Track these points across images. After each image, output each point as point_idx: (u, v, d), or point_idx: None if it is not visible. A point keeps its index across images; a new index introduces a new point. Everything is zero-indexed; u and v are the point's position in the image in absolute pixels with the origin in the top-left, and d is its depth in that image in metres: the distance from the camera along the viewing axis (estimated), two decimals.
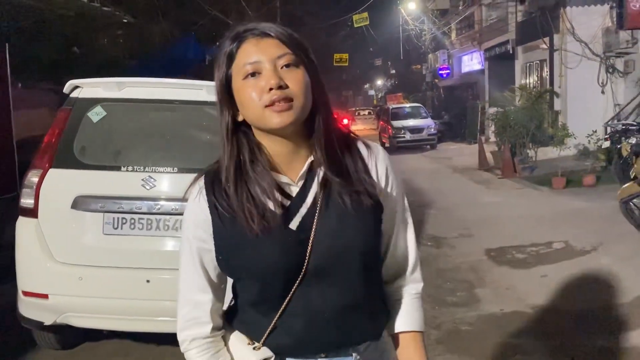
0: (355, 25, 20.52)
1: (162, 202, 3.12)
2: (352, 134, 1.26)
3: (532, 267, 5.37)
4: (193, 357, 1.22)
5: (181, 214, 3.07)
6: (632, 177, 5.72)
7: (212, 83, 3.58)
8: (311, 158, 1.17)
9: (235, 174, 1.15)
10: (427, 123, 20.22)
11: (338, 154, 1.18)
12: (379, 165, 1.24)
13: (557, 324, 3.98)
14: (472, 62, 21.31)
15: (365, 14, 20.32)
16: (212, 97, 3.19)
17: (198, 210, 1.18)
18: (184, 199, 1.20)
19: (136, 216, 3.11)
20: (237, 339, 1.22)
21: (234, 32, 1.17)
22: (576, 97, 12.24)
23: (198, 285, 1.21)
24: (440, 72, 25.68)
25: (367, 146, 1.26)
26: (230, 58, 1.15)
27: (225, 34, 1.19)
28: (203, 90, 3.26)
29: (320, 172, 1.16)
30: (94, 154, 3.22)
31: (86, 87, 3.30)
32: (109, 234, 3.11)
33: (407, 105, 23.66)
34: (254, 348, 1.19)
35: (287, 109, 1.09)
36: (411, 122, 20.18)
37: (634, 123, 6.60)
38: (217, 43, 15.82)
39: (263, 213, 1.12)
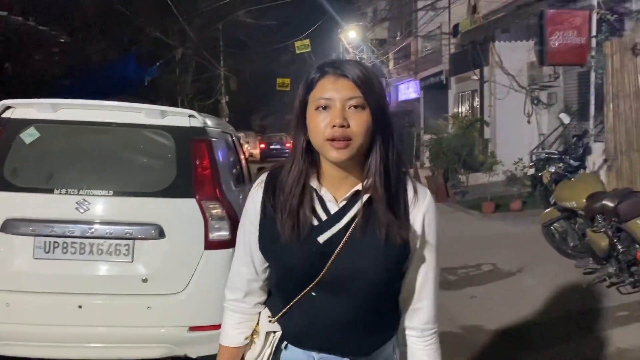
0: (297, 52, 20.83)
1: (96, 226, 3.08)
2: (405, 173, 1.36)
3: (463, 288, 5.59)
4: (225, 314, 1.48)
5: (115, 238, 3.07)
6: (552, 202, 6.08)
7: (152, 106, 3.56)
8: (359, 186, 1.30)
9: (292, 184, 1.31)
10: None
11: (389, 187, 1.29)
12: (420, 211, 1.34)
13: (484, 343, 4.17)
14: (409, 90, 22.03)
15: (307, 41, 20.68)
16: (151, 120, 3.23)
17: (253, 201, 1.38)
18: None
19: (69, 240, 3.05)
20: (265, 312, 1.44)
21: (321, 63, 1.33)
22: (504, 126, 12.76)
23: (243, 260, 1.43)
24: None
25: (415, 190, 1.35)
26: (310, 87, 1.30)
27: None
28: (141, 114, 3.26)
29: (364, 199, 1.29)
30: (26, 176, 3.15)
31: (19, 108, 3.23)
32: (40, 259, 3.03)
33: None
34: (269, 321, 1.41)
35: (344, 147, 1.24)
36: None
37: (555, 152, 7.03)
38: (158, 63, 15.66)
39: (295, 224, 1.29)
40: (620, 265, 4.80)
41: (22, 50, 10.52)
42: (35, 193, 3.09)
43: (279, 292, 1.40)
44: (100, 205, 3.10)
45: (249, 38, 23.12)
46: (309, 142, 1.30)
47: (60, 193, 3.06)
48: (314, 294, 1.31)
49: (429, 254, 1.37)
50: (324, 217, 1.31)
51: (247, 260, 1.42)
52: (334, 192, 1.32)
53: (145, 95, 13.62)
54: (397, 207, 1.30)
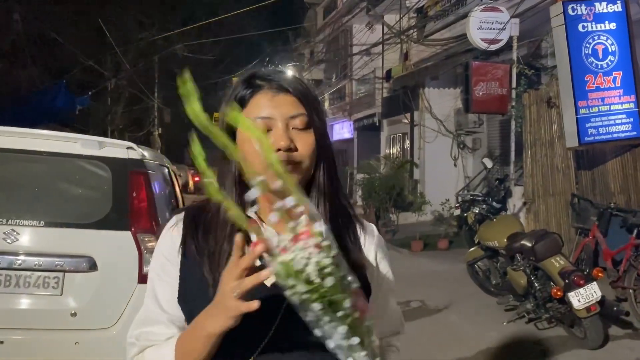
0: None
1: (24, 258, 2.98)
2: (350, 205, 1.18)
3: None
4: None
5: (44, 271, 2.98)
6: (476, 242, 6.40)
7: (89, 137, 3.52)
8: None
9: (222, 222, 1.05)
10: None
11: (336, 217, 1.10)
12: (372, 245, 1.19)
13: None
14: (343, 130, 22.55)
15: None
16: (87, 150, 3.21)
17: (168, 243, 1.10)
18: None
19: None
20: None
21: (249, 75, 1.10)
22: (432, 168, 13.21)
23: (158, 319, 1.08)
24: None
25: (362, 223, 1.19)
26: (241, 103, 1.07)
27: (240, 76, 1.12)
28: (77, 144, 3.23)
29: None
30: None
31: None
32: None
33: None
34: None
35: (291, 172, 1.01)
36: None
37: (479, 194, 7.45)
38: (90, 92, 15.29)
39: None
40: (537, 302, 5.11)
41: None
42: None
43: None
44: (30, 236, 3.01)
45: (184, 71, 23.01)
46: (240, 172, 1.05)
47: None
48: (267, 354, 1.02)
49: (388, 290, 1.23)
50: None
51: (163, 319, 1.08)
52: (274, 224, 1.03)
53: (75, 124, 13.23)
54: (348, 239, 1.12)
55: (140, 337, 1.09)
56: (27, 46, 12.80)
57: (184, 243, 1.08)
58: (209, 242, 1.06)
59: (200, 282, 1.03)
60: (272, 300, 0.97)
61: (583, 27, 6.83)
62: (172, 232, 1.11)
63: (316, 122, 1.08)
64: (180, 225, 1.11)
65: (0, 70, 11.89)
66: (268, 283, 0.95)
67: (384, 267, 1.22)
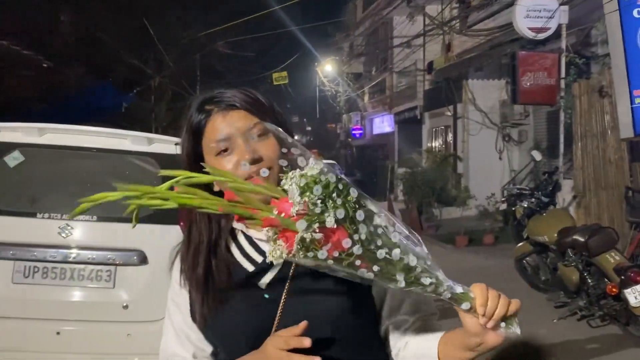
0: (275, 83, 21.05)
1: (78, 251, 3.06)
2: None
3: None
4: None
5: (97, 264, 3.05)
6: (524, 237, 6.23)
7: (139, 133, 3.57)
8: None
9: (207, 248, 1.13)
10: None
11: None
12: None
13: None
14: (383, 124, 22.39)
15: (285, 73, 20.94)
16: (136, 147, 3.26)
17: (175, 277, 1.20)
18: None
19: (49, 265, 3.02)
20: None
21: (199, 103, 1.13)
22: (477, 161, 12.96)
23: (177, 340, 1.21)
24: (354, 132, 26.77)
25: None
26: (197, 134, 1.12)
27: (188, 103, 1.17)
28: (127, 140, 3.29)
29: None
30: (9, 200, 3.12)
31: (4, 131, 3.22)
32: (19, 283, 2.98)
33: (322, 161, 24.23)
34: None
35: (266, 180, 1.01)
36: None
37: (527, 188, 7.23)
38: (134, 91, 15.65)
39: (229, 268, 1.11)
40: (590, 299, 4.94)
41: None
42: (17, 217, 3.06)
43: None
44: (83, 231, 3.08)
45: (226, 68, 23.29)
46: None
47: (43, 217, 3.04)
48: None
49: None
50: (259, 259, 1.11)
51: (182, 340, 1.20)
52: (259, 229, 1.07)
53: (120, 122, 13.55)
54: None
55: None
56: (75, 46, 13.20)
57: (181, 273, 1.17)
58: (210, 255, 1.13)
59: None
60: (267, 301, 1.08)
61: (639, 12, 6.53)
62: (174, 268, 1.21)
63: (271, 124, 1.06)
64: (177, 261, 1.20)
65: (49, 69, 12.29)
66: (262, 285, 1.08)
67: None
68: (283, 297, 1.07)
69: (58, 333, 2.96)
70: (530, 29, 8.98)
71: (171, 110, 21.87)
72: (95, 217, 3.10)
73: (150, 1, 16.61)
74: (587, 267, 4.98)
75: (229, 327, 1.10)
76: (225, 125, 1.09)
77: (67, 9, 12.99)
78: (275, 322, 1.06)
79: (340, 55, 27.52)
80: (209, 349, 1.19)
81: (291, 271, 1.08)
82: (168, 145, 3.34)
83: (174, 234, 3.12)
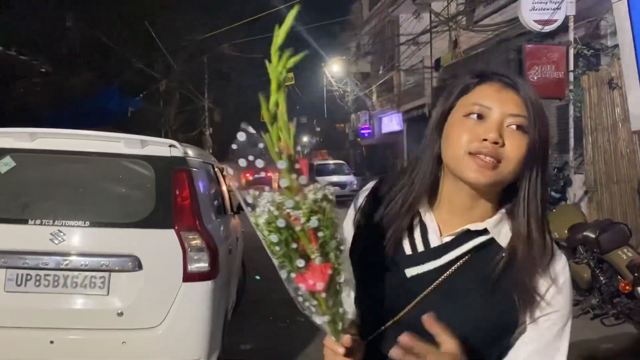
0: None
1: (71, 258, 2.99)
2: (549, 228, 1.06)
3: None
4: None
5: (91, 271, 2.98)
6: None
7: (132, 136, 3.49)
8: (473, 225, 1.02)
9: (402, 202, 1.07)
10: (349, 179, 20.75)
11: (530, 236, 1.01)
12: (553, 273, 1.03)
13: None
14: (392, 123, 22.28)
15: (291, 74, 20.78)
16: (130, 149, 3.19)
17: (355, 204, 1.14)
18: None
19: (42, 272, 2.96)
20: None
21: (480, 69, 1.07)
22: None
23: None
24: (362, 131, 26.69)
25: (552, 248, 1.04)
26: (463, 91, 1.04)
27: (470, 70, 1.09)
28: (120, 143, 3.22)
29: (478, 241, 1.02)
30: (0, 206, 3.07)
31: None
32: (11, 292, 2.93)
33: (331, 161, 24.23)
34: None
35: (490, 168, 0.96)
36: (335, 178, 20.61)
37: None
38: (141, 95, 15.68)
39: (388, 248, 1.04)
40: (603, 297, 4.80)
41: (1, 80, 10.46)
42: (7, 224, 3.01)
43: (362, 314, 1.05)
44: (76, 237, 3.02)
45: (233, 70, 23.32)
46: (437, 158, 1.04)
47: (35, 224, 2.99)
48: (386, 335, 1.03)
49: (550, 335, 1.06)
50: (420, 248, 1.05)
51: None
52: (442, 223, 1.06)
53: (128, 126, 13.59)
54: (536, 262, 1.01)
55: None
56: (82, 52, 13.24)
57: (362, 211, 1.12)
58: (381, 216, 1.08)
59: (364, 249, 1.07)
60: (404, 290, 1.02)
61: None
62: (359, 199, 1.15)
63: (534, 130, 0.99)
64: (365, 193, 1.15)
65: (56, 75, 12.33)
66: (408, 274, 1.02)
67: (558, 303, 1.04)
68: (422, 294, 1.01)
69: (52, 342, 2.90)
70: (536, 21, 8.81)
71: (180, 113, 21.94)
72: (88, 223, 3.04)
73: (156, 6, 16.66)
74: (599, 264, 4.85)
75: (367, 288, 1.02)
76: (494, 97, 1.01)
77: (73, 16, 13.03)
78: (404, 312, 1.02)
79: (347, 55, 27.45)
80: None
81: (442, 277, 1.02)
82: (162, 147, 3.27)
83: (168, 238, 3.05)
